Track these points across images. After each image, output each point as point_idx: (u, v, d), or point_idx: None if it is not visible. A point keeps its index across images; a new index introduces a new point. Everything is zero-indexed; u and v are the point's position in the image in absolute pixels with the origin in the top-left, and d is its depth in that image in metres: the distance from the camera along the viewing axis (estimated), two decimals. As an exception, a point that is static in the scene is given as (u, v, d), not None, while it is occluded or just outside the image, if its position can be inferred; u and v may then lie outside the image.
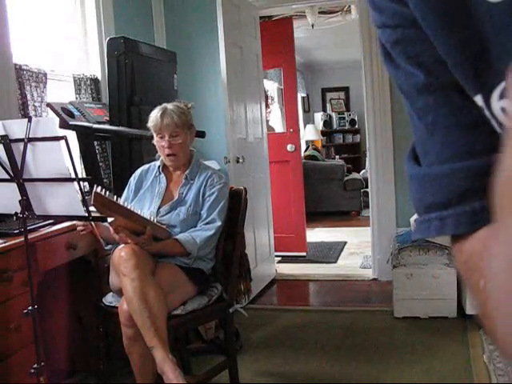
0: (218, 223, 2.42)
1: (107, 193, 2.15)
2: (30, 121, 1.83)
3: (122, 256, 2.18)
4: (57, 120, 2.97)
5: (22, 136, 1.83)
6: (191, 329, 3.02)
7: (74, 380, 2.65)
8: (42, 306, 2.22)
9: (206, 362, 2.90)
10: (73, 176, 1.88)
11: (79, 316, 2.76)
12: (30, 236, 2.02)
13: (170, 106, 2.48)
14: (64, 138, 1.83)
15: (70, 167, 1.87)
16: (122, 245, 2.25)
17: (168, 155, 2.46)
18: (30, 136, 1.83)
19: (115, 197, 2.32)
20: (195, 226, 2.42)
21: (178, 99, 2.69)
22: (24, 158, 1.86)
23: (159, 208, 2.46)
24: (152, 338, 2.06)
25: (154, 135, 2.47)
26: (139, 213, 2.30)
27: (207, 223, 2.41)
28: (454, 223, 0.47)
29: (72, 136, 2.95)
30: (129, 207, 2.27)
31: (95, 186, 2.18)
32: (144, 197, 2.51)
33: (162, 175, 2.55)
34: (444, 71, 0.48)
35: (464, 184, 0.47)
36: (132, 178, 2.59)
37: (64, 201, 1.93)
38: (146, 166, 2.64)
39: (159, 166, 2.55)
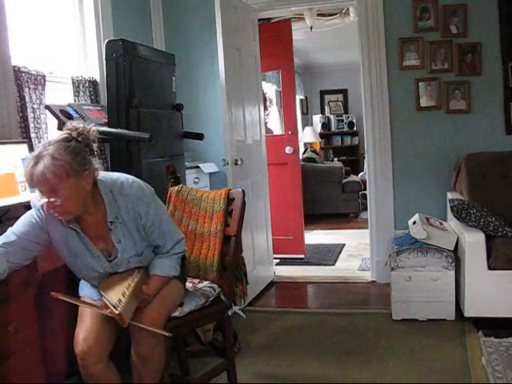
0: (181, 238, 2.26)
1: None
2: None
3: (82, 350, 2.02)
4: (55, 122, 2.98)
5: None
6: (189, 331, 3.02)
7: (72, 381, 2.65)
8: (40, 308, 2.22)
9: (204, 364, 2.90)
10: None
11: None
12: (29, 238, 2.01)
13: (46, 154, 1.86)
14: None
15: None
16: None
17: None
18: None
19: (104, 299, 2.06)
20: (153, 251, 2.23)
21: (81, 122, 2.14)
22: (23, 159, 1.87)
23: (112, 275, 2.14)
24: None
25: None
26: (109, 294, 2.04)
27: (173, 246, 2.23)
28: None
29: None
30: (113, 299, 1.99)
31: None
32: (78, 265, 2.13)
33: (79, 231, 2.05)
34: None
35: None
36: (30, 217, 2.03)
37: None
38: (33, 211, 2.03)
39: None
